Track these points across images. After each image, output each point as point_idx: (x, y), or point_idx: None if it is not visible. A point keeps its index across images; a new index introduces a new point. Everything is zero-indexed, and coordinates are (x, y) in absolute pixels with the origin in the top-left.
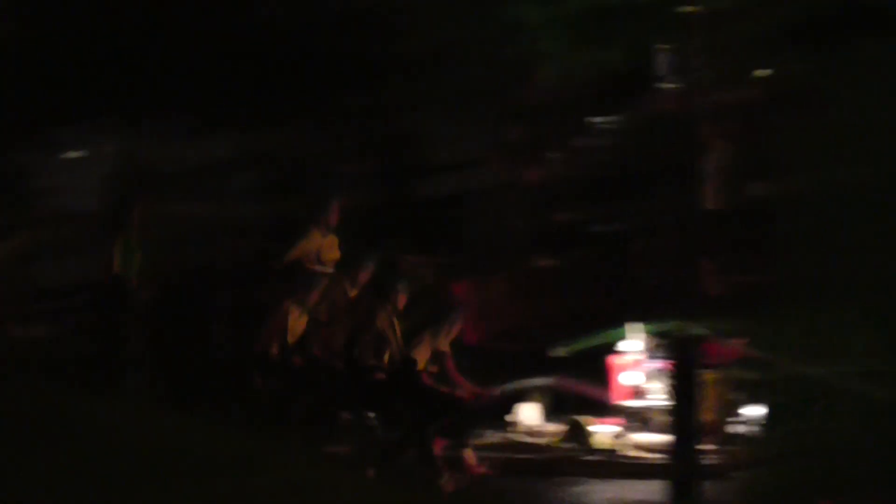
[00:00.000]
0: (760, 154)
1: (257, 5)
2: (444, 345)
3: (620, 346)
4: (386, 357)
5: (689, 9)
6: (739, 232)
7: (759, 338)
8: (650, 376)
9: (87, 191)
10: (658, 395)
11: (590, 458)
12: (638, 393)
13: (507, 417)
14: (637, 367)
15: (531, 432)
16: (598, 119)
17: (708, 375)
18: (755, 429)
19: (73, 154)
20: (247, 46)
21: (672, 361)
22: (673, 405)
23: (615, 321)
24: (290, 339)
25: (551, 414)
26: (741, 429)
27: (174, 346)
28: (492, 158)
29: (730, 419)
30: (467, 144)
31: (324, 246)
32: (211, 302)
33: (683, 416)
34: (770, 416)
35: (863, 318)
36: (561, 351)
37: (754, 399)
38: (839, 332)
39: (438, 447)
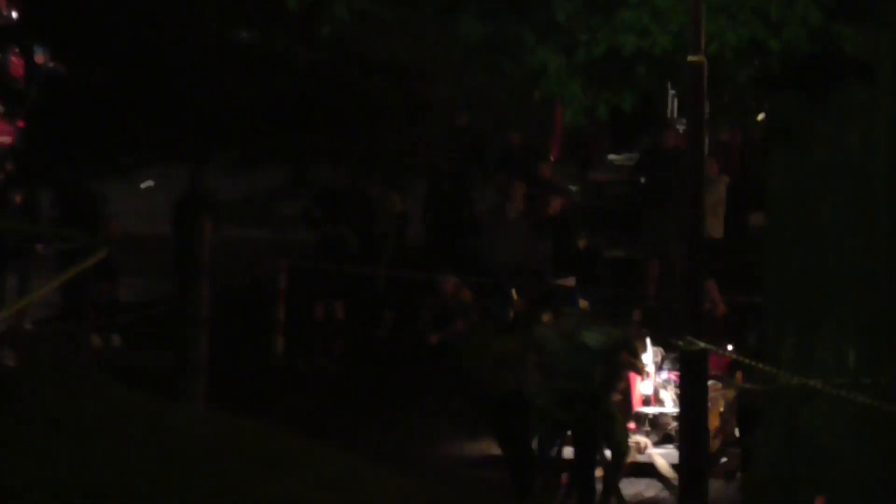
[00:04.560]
0: (755, 187)
1: (301, 51)
2: None
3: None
4: None
5: (694, 58)
6: (739, 257)
7: (757, 353)
8: (661, 385)
9: (157, 215)
10: (668, 402)
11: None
12: (650, 401)
13: None
14: (649, 377)
15: None
16: (613, 155)
17: (713, 386)
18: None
19: (143, 183)
20: (295, 87)
21: (680, 372)
22: (682, 411)
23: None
24: None
25: None
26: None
27: (235, 355)
28: (517, 190)
29: (733, 425)
30: (495, 176)
31: None
32: (266, 315)
33: (692, 420)
34: (768, 422)
35: (849, 337)
36: None
37: (754, 407)
38: (828, 349)
39: None
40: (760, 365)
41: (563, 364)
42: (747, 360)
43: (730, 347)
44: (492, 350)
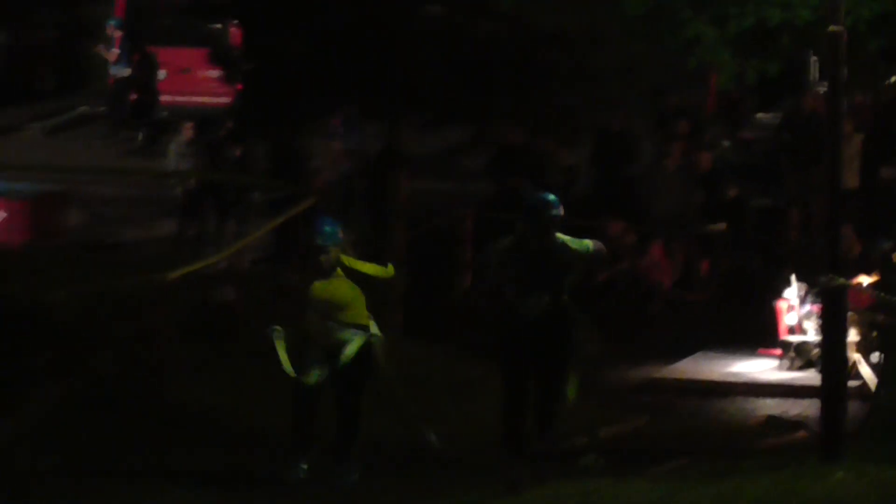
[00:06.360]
0: (888, 144)
1: (482, 23)
2: None
3: (784, 293)
4: None
5: (834, 28)
6: (872, 206)
7: (886, 290)
8: (805, 317)
9: (358, 168)
10: (811, 332)
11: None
12: (795, 330)
13: None
14: (794, 310)
15: None
16: (759, 115)
17: (850, 317)
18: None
19: (346, 140)
20: (477, 56)
21: (821, 305)
22: (823, 339)
23: (776, 275)
24: None
25: None
26: (875, 359)
27: (427, 292)
28: (673, 147)
29: (867, 352)
30: (653, 136)
31: None
32: (453, 257)
33: (832, 347)
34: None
35: None
36: None
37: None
38: None
39: None
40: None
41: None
42: (882, 294)
43: (865, 282)
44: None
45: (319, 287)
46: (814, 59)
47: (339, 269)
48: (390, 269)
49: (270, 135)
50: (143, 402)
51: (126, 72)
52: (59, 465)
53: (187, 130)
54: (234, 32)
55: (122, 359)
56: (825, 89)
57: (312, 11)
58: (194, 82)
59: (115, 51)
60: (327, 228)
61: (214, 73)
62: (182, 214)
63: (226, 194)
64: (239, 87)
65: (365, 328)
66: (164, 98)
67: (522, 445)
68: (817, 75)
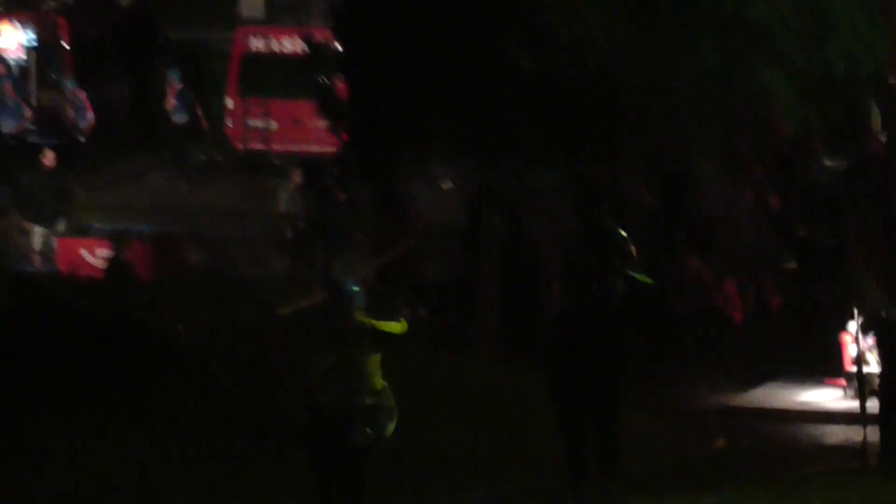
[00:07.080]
0: None
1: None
2: None
3: (848, 326)
4: None
5: (893, 80)
6: None
7: None
8: (867, 349)
9: (454, 210)
10: (873, 363)
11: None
12: (856, 361)
13: None
14: (855, 342)
15: None
16: (824, 160)
17: None
18: None
19: (444, 185)
20: (565, 105)
21: (877, 337)
22: (881, 370)
23: (841, 309)
24: None
25: None
26: None
27: (516, 315)
28: (744, 189)
29: None
30: (725, 179)
31: None
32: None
33: (889, 376)
34: None
35: None
36: None
37: None
38: None
39: None
40: None
41: None
42: None
43: None
44: None
45: (342, 352)
46: (875, 109)
47: (363, 333)
48: (405, 325)
49: (374, 179)
50: (258, 415)
51: (183, 119)
52: (185, 471)
53: (296, 176)
54: (341, 86)
55: (240, 380)
56: (886, 136)
57: (411, 67)
58: (304, 132)
59: (173, 101)
60: (352, 289)
61: (322, 123)
62: (293, 253)
63: (332, 235)
64: (345, 136)
65: (380, 393)
66: (275, 146)
67: (588, 479)
68: (880, 124)
